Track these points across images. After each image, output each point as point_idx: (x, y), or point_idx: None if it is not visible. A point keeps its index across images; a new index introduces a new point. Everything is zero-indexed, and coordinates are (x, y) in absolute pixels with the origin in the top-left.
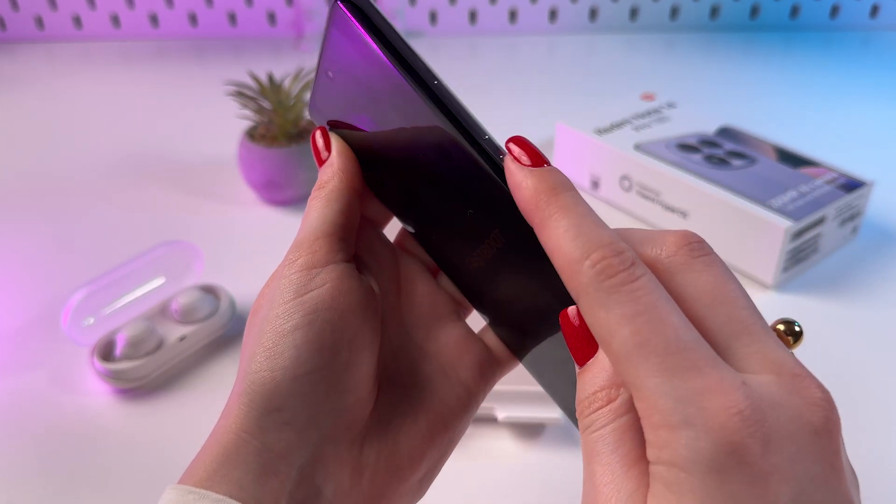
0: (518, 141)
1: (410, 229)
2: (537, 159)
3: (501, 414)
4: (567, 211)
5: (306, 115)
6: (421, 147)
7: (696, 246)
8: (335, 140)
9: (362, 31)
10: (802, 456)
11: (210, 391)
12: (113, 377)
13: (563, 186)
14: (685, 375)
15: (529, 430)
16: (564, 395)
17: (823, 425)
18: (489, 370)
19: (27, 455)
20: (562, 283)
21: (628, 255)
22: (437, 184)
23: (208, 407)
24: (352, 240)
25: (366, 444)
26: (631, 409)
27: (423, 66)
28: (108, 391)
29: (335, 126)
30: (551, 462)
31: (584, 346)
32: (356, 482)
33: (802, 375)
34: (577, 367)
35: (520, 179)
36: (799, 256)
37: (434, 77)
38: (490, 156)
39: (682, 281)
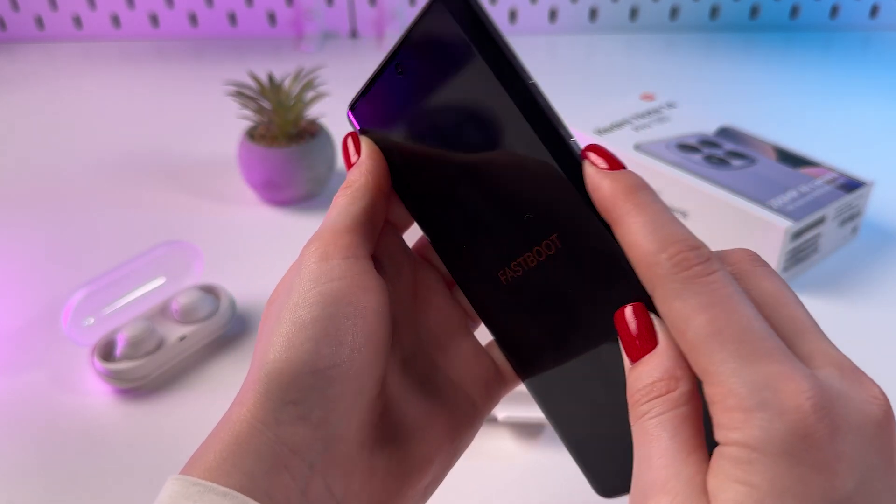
0: (595, 148)
1: (434, 237)
2: (615, 163)
3: (501, 414)
4: (644, 207)
5: (306, 114)
6: (486, 148)
7: (757, 258)
8: (366, 143)
9: (465, 28)
10: (866, 447)
11: (210, 391)
12: (113, 377)
13: (639, 186)
14: (760, 361)
15: (529, 430)
16: (571, 416)
17: (885, 419)
18: (495, 388)
19: (27, 455)
20: (617, 287)
21: (704, 250)
22: (492, 188)
23: (208, 407)
24: (373, 239)
25: (376, 448)
26: (689, 400)
27: (520, 65)
28: (109, 391)
29: (376, 126)
30: (551, 462)
31: (644, 342)
32: (366, 484)
33: (862, 372)
34: (627, 363)
35: (598, 181)
36: (799, 256)
37: (529, 77)
38: (573, 156)
39: (748, 286)
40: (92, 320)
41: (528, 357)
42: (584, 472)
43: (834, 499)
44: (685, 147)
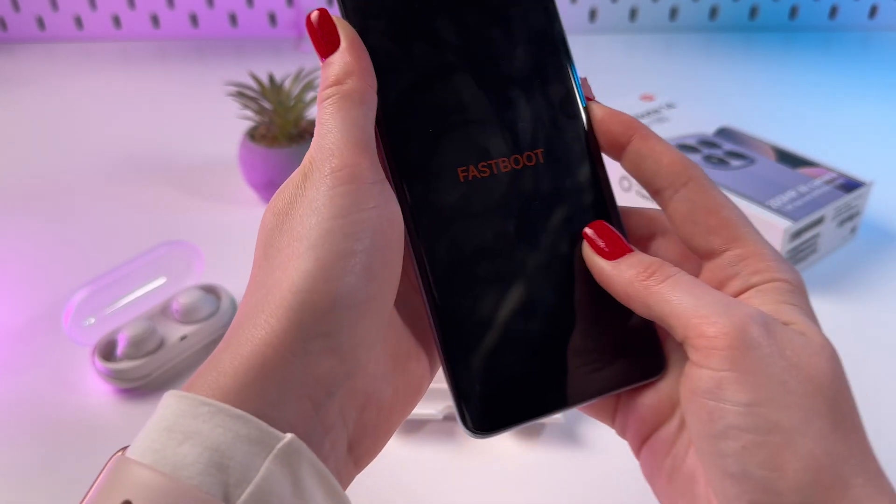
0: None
1: (396, 119)
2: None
3: None
4: (654, 135)
5: (307, 115)
6: (507, 54)
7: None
8: (345, 29)
9: None
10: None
11: None
12: (114, 377)
13: (640, 123)
14: (764, 240)
15: (529, 430)
16: (474, 336)
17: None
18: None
19: (28, 455)
20: (580, 214)
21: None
22: (497, 87)
23: None
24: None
25: (383, 379)
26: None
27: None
28: (110, 391)
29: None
30: (551, 462)
31: (624, 244)
32: (372, 414)
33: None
34: (603, 264)
35: (605, 114)
36: (798, 256)
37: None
38: (581, 95)
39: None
40: (93, 320)
41: (454, 259)
42: (463, 405)
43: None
44: (684, 147)
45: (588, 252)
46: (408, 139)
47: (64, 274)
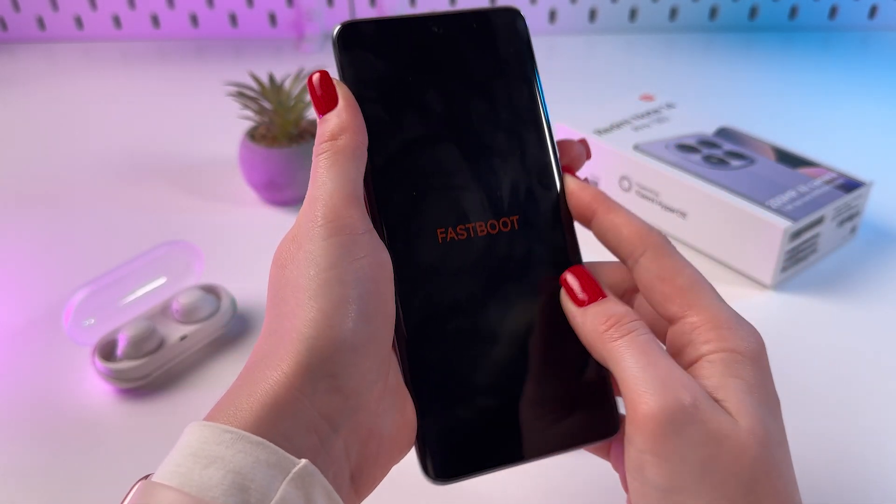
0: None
1: (382, 180)
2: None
3: None
4: (619, 207)
5: (307, 115)
6: (491, 122)
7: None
8: (343, 90)
9: (526, 39)
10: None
11: (211, 390)
12: (114, 377)
13: (607, 198)
14: (723, 302)
15: None
16: (441, 385)
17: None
18: None
19: (28, 455)
20: (549, 278)
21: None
22: (478, 156)
23: (210, 406)
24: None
25: (384, 415)
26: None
27: (542, 92)
28: (110, 391)
29: (361, 60)
30: (551, 462)
31: (596, 290)
32: (374, 449)
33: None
34: (574, 310)
35: (579, 188)
36: (798, 256)
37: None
38: (558, 165)
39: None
40: (93, 320)
41: (427, 314)
42: (426, 452)
43: (772, 390)
44: (684, 147)
45: (563, 296)
46: (393, 199)
47: (64, 274)
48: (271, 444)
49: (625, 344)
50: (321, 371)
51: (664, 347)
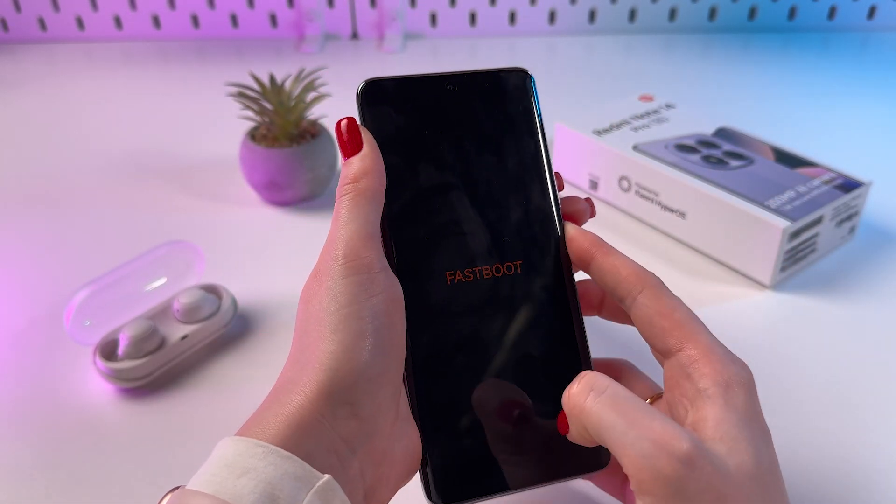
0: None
1: (398, 227)
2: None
3: None
4: (615, 250)
5: (307, 115)
6: (498, 175)
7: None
8: (367, 136)
9: (534, 101)
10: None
11: (212, 390)
12: (115, 376)
13: (603, 242)
14: (714, 339)
15: None
16: (447, 416)
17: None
18: None
19: (29, 454)
20: (548, 316)
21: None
22: (486, 204)
23: (211, 405)
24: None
25: (397, 440)
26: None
27: (548, 150)
28: (111, 390)
29: (382, 114)
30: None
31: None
32: (388, 470)
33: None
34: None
35: (578, 234)
36: (797, 256)
37: (550, 160)
38: (559, 211)
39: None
40: (94, 320)
41: (434, 349)
42: (429, 477)
43: (763, 419)
44: (683, 147)
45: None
46: (406, 242)
47: (65, 274)
48: (298, 459)
49: (599, 407)
50: (341, 398)
51: (636, 397)
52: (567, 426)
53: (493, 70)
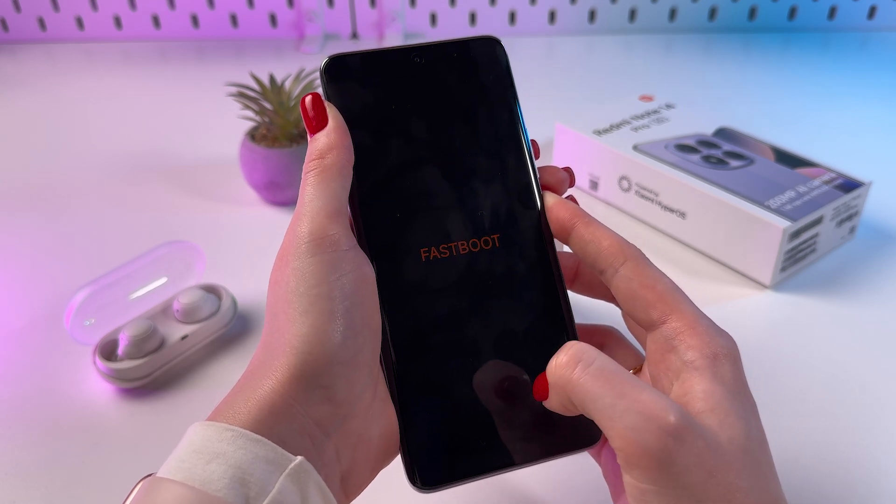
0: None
1: (368, 205)
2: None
3: None
4: (596, 221)
5: None
6: (472, 148)
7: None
8: (333, 111)
9: (506, 66)
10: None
11: (212, 390)
12: (115, 376)
13: (584, 213)
14: (697, 310)
15: None
16: (425, 398)
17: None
18: None
19: (30, 454)
20: (529, 292)
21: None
22: (461, 179)
23: (211, 405)
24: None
25: (372, 423)
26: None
27: (522, 117)
28: (111, 390)
29: (348, 90)
30: (551, 461)
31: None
32: (363, 454)
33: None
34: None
35: (558, 205)
36: (797, 256)
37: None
38: (538, 185)
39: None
40: (94, 320)
41: (411, 329)
42: (411, 461)
43: (748, 392)
44: (683, 147)
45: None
46: (378, 219)
47: (65, 274)
48: (269, 442)
49: (586, 379)
50: (314, 382)
51: (624, 370)
52: (545, 393)
53: (462, 39)
